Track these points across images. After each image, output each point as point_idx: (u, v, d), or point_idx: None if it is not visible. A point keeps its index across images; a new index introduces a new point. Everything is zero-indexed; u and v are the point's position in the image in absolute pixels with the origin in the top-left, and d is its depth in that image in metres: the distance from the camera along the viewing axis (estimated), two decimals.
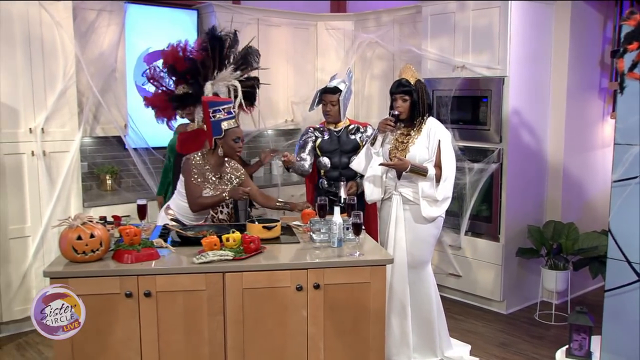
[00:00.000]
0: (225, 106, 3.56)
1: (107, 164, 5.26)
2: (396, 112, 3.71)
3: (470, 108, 4.94)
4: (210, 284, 2.88)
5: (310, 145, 4.29)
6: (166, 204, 3.80)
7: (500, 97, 4.70)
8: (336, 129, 4.28)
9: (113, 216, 3.43)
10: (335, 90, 4.16)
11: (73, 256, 2.84)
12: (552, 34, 4.95)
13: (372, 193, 3.91)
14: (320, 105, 4.28)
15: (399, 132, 3.82)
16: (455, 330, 4.44)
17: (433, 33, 5.14)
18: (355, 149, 4.20)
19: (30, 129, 4.34)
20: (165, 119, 4.79)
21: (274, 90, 5.98)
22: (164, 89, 4.70)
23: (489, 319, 4.83)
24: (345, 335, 3.04)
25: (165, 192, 4.64)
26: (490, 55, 4.73)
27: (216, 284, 2.89)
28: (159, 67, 4.69)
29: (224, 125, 3.54)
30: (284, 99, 6.11)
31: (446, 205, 3.73)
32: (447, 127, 3.88)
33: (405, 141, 3.77)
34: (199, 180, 3.56)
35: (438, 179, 3.68)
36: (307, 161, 4.25)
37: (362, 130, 4.28)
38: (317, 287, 2.97)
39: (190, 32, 5.57)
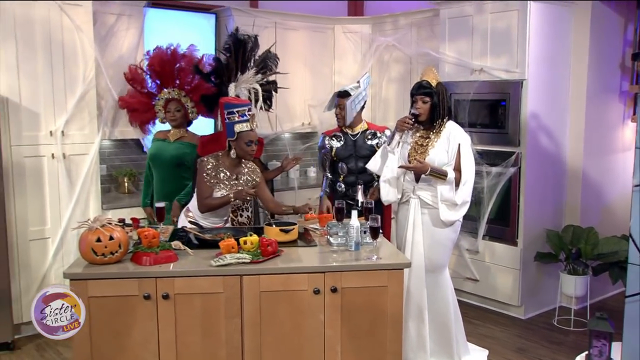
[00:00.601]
0: (239, 108, 3.55)
1: (125, 167, 5.31)
2: (415, 111, 3.70)
3: (489, 111, 4.91)
4: (227, 286, 2.90)
5: (328, 154, 4.32)
6: (186, 207, 3.82)
7: (519, 101, 4.66)
8: (353, 133, 4.27)
9: (132, 218, 3.46)
10: (345, 94, 4.17)
11: (92, 258, 2.87)
12: (571, 36, 4.91)
13: (387, 193, 3.89)
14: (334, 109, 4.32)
15: (417, 134, 3.81)
16: (473, 335, 4.42)
17: (451, 36, 5.12)
18: (372, 154, 4.15)
19: (50, 131, 4.39)
20: (138, 124, 4.71)
21: (291, 94, 5.99)
22: (146, 91, 4.62)
23: (506, 323, 4.79)
24: (362, 339, 3.04)
25: (151, 202, 4.49)
26: (509, 58, 4.70)
27: (234, 287, 2.90)
28: (141, 69, 4.63)
29: (237, 127, 3.54)
30: (301, 102, 6.12)
31: (465, 209, 3.71)
32: (465, 131, 3.86)
33: (424, 144, 3.75)
34: (213, 181, 3.57)
35: (457, 182, 3.66)
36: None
37: (379, 135, 4.26)
38: (334, 290, 2.97)
39: (209, 36, 5.61)
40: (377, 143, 4.21)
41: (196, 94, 4.48)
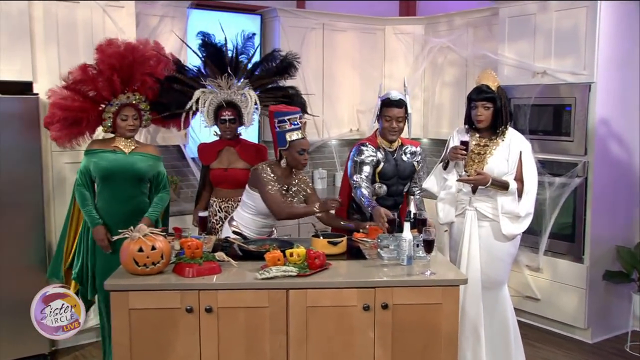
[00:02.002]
0: (290, 116, 3.59)
1: (167, 173, 5.38)
2: (467, 140, 3.64)
3: (552, 117, 4.82)
4: (273, 300, 2.90)
5: (369, 169, 3.79)
6: (230, 216, 3.85)
7: (586, 106, 4.56)
8: (391, 149, 3.89)
9: (174, 228, 3.51)
10: (401, 103, 3.79)
11: (134, 268, 2.92)
12: None
13: (447, 214, 3.85)
14: (380, 121, 3.87)
15: (474, 142, 3.76)
16: (534, 359, 4.31)
17: (511, 36, 5.05)
18: (412, 174, 3.92)
19: (92, 137, 4.50)
20: (69, 139, 3.89)
21: (339, 99, 6.02)
22: (92, 95, 3.87)
23: (571, 347, 4.67)
24: (414, 359, 3.00)
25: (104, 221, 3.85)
26: (575, 59, 4.60)
27: (279, 301, 2.91)
28: (94, 68, 3.84)
29: (289, 136, 3.57)
30: (349, 107, 6.13)
31: (528, 221, 3.65)
32: (525, 138, 3.80)
33: (482, 152, 3.70)
34: (277, 186, 3.60)
35: (519, 193, 3.60)
36: (381, 188, 3.85)
37: (417, 151, 3.94)
38: (385, 307, 2.94)
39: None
40: (418, 160, 3.93)
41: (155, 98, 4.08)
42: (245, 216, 3.69)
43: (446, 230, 4.30)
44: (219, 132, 4.24)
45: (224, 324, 2.90)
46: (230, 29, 5.13)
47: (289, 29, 5.61)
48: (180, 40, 4.79)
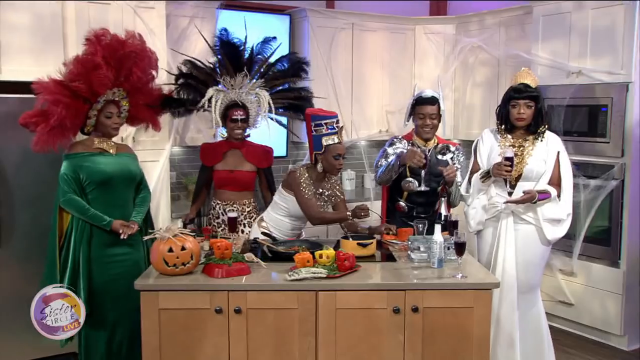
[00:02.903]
0: (327, 120, 3.59)
1: (195, 174, 5.42)
2: (511, 154, 3.54)
3: (587, 118, 4.74)
4: (302, 302, 2.91)
5: (396, 159, 3.82)
6: (260, 216, 3.87)
7: (624, 106, 4.48)
8: (427, 147, 3.92)
9: (203, 229, 3.54)
10: (434, 100, 3.87)
11: (164, 268, 2.95)
12: None
13: (478, 224, 3.81)
14: (414, 120, 3.95)
15: (507, 144, 3.71)
16: None
17: (545, 35, 4.99)
18: None
19: (122, 138, 4.56)
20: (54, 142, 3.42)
21: (368, 99, 6.00)
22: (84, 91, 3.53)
23: (606, 354, 4.58)
24: None
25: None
26: (612, 59, 4.53)
27: (308, 303, 2.91)
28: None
29: (325, 140, 3.58)
30: (378, 107, 6.11)
31: (569, 222, 3.63)
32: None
33: (519, 152, 3.66)
34: (312, 191, 3.61)
35: (558, 196, 3.57)
36: (412, 182, 3.81)
37: (452, 149, 3.93)
38: (415, 310, 2.93)
39: (283, 38, 5.68)
40: (452, 158, 3.92)
41: (148, 97, 3.87)
42: (276, 217, 3.70)
43: (476, 233, 4.26)
44: (224, 134, 4.21)
45: (252, 325, 2.92)
46: (259, 29, 5.17)
47: (318, 29, 5.61)
48: (202, 36, 4.78)
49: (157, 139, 4.73)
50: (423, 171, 3.70)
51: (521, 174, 3.64)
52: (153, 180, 4.72)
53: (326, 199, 3.70)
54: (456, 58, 6.02)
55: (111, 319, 3.43)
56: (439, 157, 3.84)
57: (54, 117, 3.31)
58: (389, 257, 3.36)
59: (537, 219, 3.60)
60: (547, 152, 3.61)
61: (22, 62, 4.12)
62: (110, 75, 3.45)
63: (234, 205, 4.11)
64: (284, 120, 4.92)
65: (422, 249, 3.27)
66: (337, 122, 3.65)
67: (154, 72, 3.81)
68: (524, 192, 3.54)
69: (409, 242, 3.34)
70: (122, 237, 3.39)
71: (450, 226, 3.41)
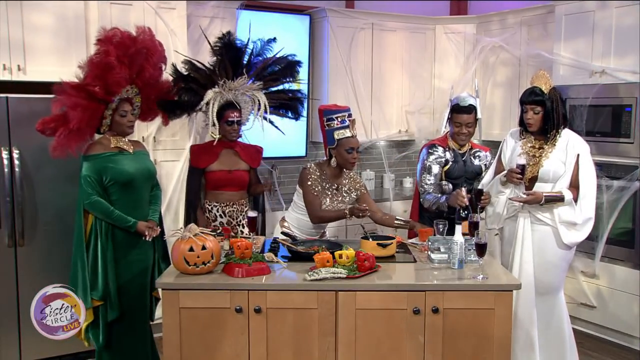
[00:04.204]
0: (339, 114, 3.60)
1: None
2: (523, 163, 3.57)
3: (610, 118, 4.70)
4: (322, 302, 2.92)
5: (438, 169, 3.99)
6: (282, 216, 3.88)
7: None
8: (461, 152, 4.06)
9: (223, 228, 3.56)
10: (470, 109, 3.91)
11: (184, 268, 2.98)
12: None
13: (493, 222, 3.83)
14: (450, 125, 4.02)
15: (529, 145, 3.70)
16: None
17: (567, 35, 4.95)
18: (478, 175, 4.06)
19: (142, 137, 4.61)
20: (75, 146, 3.42)
21: (387, 99, 6.00)
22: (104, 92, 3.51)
23: (629, 357, 4.54)
24: None
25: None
26: (637, 58, 4.48)
27: (328, 303, 2.92)
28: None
29: (337, 134, 3.58)
30: (397, 108, 6.10)
31: (590, 226, 3.58)
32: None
33: (537, 155, 3.64)
34: (318, 189, 3.62)
35: (575, 199, 3.53)
36: (447, 186, 3.97)
37: (484, 154, 4.09)
38: (435, 311, 2.93)
39: (303, 38, 5.71)
40: (486, 164, 4.07)
41: (158, 91, 3.84)
42: (295, 216, 3.72)
43: (497, 234, 4.24)
44: (217, 135, 4.09)
45: (272, 325, 2.93)
46: (279, 29, 5.17)
47: (338, 29, 5.63)
48: (205, 37, 4.73)
49: (177, 138, 4.78)
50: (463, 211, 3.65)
51: (536, 176, 3.62)
52: (173, 179, 4.77)
53: (345, 193, 3.69)
54: (477, 58, 6.00)
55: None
56: (474, 160, 4.05)
57: (73, 121, 3.29)
58: (408, 258, 3.36)
59: (553, 220, 3.57)
60: (567, 155, 3.58)
61: (46, 62, 4.19)
62: (125, 73, 3.43)
63: (234, 206, 4.07)
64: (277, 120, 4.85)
65: (442, 249, 3.26)
66: (349, 115, 3.64)
67: (163, 66, 3.80)
68: (526, 193, 3.53)
69: (429, 243, 3.33)
70: (147, 239, 3.43)
71: (471, 227, 3.40)
